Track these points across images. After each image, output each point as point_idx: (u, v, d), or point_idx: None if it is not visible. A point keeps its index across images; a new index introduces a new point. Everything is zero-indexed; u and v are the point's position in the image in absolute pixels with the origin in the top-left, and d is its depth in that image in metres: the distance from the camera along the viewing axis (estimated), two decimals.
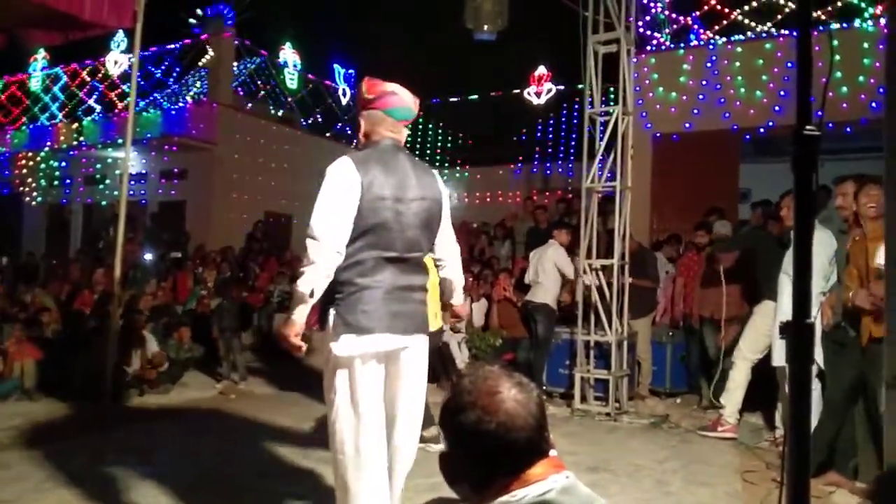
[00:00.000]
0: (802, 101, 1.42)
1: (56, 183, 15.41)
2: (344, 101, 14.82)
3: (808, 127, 1.38)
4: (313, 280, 2.56)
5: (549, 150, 14.12)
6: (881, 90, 2.56)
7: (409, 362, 2.79)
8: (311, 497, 3.72)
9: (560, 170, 13.57)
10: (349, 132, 15.04)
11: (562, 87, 13.19)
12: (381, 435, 2.73)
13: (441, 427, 1.33)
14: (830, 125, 8.34)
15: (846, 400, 4.08)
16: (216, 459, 4.37)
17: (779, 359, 4.69)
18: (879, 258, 3.52)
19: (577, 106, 11.98)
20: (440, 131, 15.57)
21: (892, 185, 2.43)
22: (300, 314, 2.59)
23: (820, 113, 1.50)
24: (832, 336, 4.19)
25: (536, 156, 14.21)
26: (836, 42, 8.19)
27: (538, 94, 13.60)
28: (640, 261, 6.81)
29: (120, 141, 11.68)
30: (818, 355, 4.30)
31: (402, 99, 2.87)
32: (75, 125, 14.15)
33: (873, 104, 8.03)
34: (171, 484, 3.87)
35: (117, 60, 13.70)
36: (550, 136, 14.14)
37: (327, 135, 14.58)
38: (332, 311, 2.65)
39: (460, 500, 1.33)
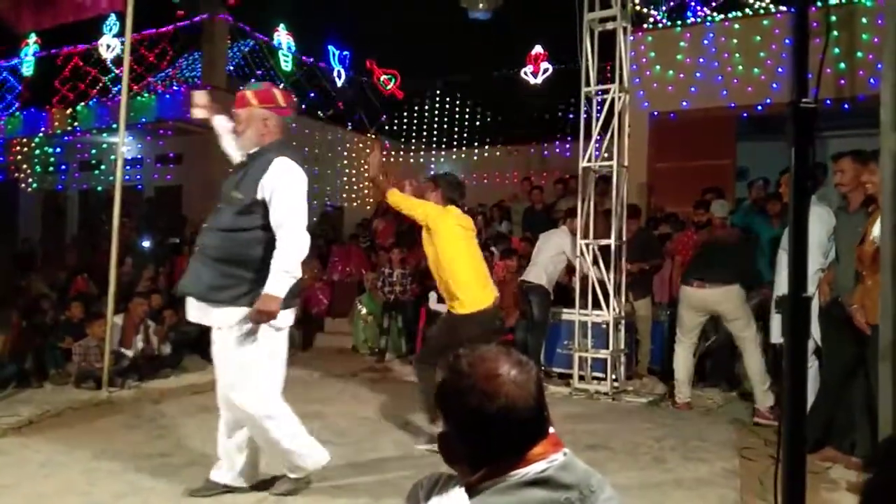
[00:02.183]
0: (799, 74, 1.40)
1: (51, 169, 15.31)
2: (339, 82, 14.70)
3: (805, 100, 1.37)
4: (299, 264, 3.15)
5: (547, 131, 14.04)
6: (880, 66, 2.54)
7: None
8: (314, 477, 3.74)
9: (557, 150, 13.51)
10: (345, 114, 14.95)
11: (561, 67, 13.07)
12: None
13: (439, 408, 1.32)
14: (828, 102, 8.30)
15: (843, 376, 4.09)
16: (211, 444, 4.38)
17: (776, 335, 4.71)
18: (876, 231, 3.51)
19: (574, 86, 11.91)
20: (436, 112, 15.47)
21: (887, 162, 2.41)
22: (284, 291, 3.10)
23: (816, 89, 1.48)
24: (829, 312, 4.20)
25: (534, 136, 14.13)
26: (833, 17, 8.14)
27: (535, 74, 13.50)
28: (642, 242, 6.83)
29: (114, 126, 11.59)
30: (815, 332, 4.31)
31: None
32: (69, 110, 14.04)
33: (871, 80, 7.99)
34: (175, 466, 3.89)
35: (110, 44, 13.55)
36: (548, 116, 14.05)
37: (322, 117, 14.50)
38: None
39: (459, 478, 1.33)
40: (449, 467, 1.35)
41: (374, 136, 4.66)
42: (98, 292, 8.01)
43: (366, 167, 15.50)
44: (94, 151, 14.68)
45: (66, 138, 14.40)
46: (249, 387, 3.20)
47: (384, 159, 15.88)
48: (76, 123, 13.89)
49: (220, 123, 3.70)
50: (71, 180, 15.30)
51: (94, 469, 3.84)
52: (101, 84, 13.63)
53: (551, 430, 1.31)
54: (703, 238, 6.30)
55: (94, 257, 9.89)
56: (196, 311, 3.29)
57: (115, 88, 12.95)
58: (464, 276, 4.32)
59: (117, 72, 12.79)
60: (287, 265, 3.10)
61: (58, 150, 15.03)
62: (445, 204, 4.43)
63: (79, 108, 13.98)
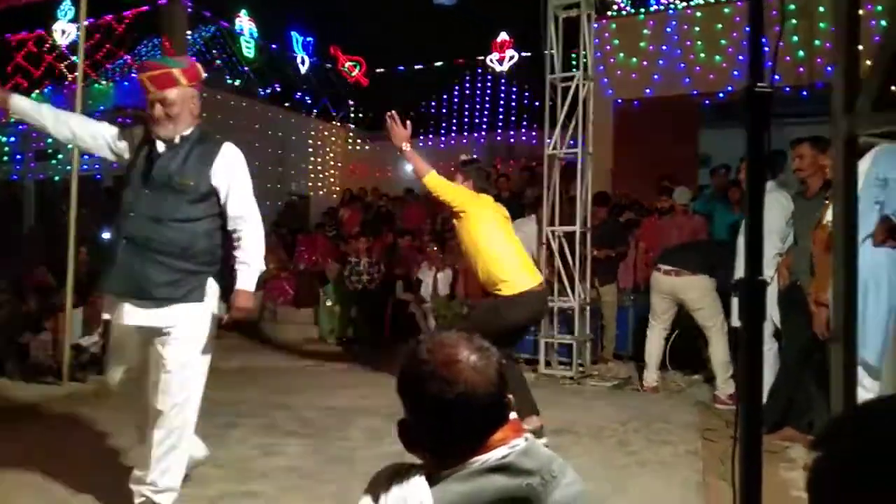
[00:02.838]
0: (754, 58, 1.42)
1: (6, 158, 14.90)
2: (303, 69, 14.52)
3: (759, 84, 1.38)
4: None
5: (513, 118, 14.08)
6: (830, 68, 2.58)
7: None
8: (280, 468, 3.72)
9: (524, 138, 13.55)
10: (309, 102, 14.79)
11: (527, 54, 13.08)
12: None
13: (399, 394, 1.31)
14: (787, 89, 8.45)
15: (801, 357, 4.19)
16: None
17: (735, 318, 4.79)
18: (830, 215, 3.58)
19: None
20: (402, 100, 15.39)
21: (839, 146, 2.45)
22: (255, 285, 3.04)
23: (773, 76, 1.50)
24: (788, 296, 4.29)
25: (500, 124, 14.16)
26: (792, 6, 8.28)
27: (500, 61, 13.50)
28: (609, 229, 6.90)
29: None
30: (775, 315, 4.41)
31: None
32: None
33: (829, 68, 8.13)
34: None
35: (65, 30, 13.19)
36: (513, 103, 14.08)
37: (286, 105, 14.32)
38: (212, 281, 2.99)
39: (421, 465, 1.33)
40: (413, 456, 1.34)
41: (389, 115, 4.22)
42: (56, 285, 7.82)
43: (331, 155, 15.36)
44: (49, 140, 14.27)
45: (20, 127, 13.99)
46: (192, 388, 2.98)
47: (354, 146, 15.74)
48: None
49: (23, 106, 3.10)
50: (27, 170, 14.90)
51: (51, 466, 3.75)
52: (56, 71, 13.27)
53: (513, 415, 1.31)
54: (665, 224, 6.39)
55: (52, 249, 9.64)
56: (135, 312, 2.91)
57: (73, 76, 12.62)
58: (506, 258, 4.07)
59: (73, 58, 12.46)
60: (258, 258, 3.02)
61: (12, 139, 14.62)
62: (477, 192, 4.27)
63: (33, 96, 13.58)
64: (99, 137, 3.09)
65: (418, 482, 1.25)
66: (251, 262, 2.99)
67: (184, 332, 2.92)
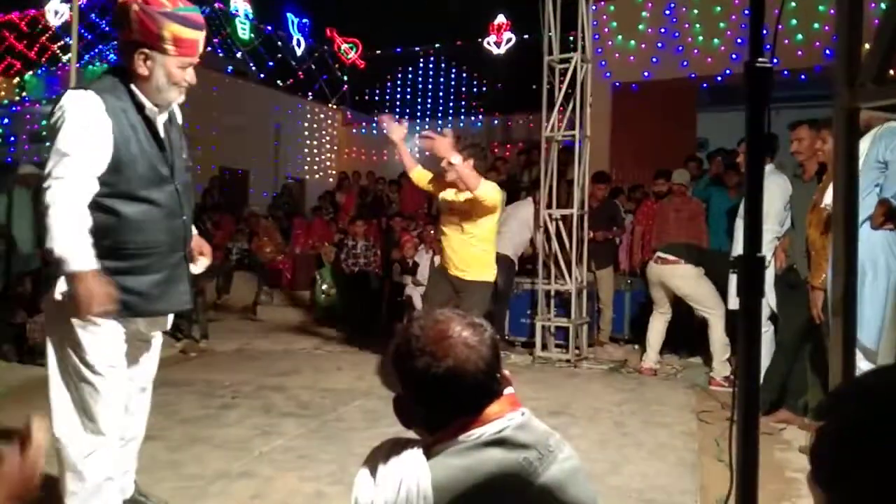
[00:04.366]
0: (755, 34, 1.40)
1: (0, 141, 14.82)
2: (299, 51, 14.41)
3: (760, 59, 1.38)
4: None
5: (510, 101, 14.03)
6: (836, 38, 2.57)
7: None
8: (278, 449, 3.73)
9: (521, 121, 13.50)
10: (305, 84, 14.70)
11: (525, 36, 13.00)
12: None
13: (394, 370, 1.32)
14: (786, 72, 8.42)
15: (797, 340, 4.21)
16: (172, 418, 4.33)
17: (733, 301, 4.80)
18: (827, 198, 3.58)
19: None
20: (399, 83, 15.30)
21: (841, 116, 2.45)
22: None
23: (774, 59, 1.49)
24: (785, 279, 4.31)
25: (497, 107, 14.10)
26: None
27: (498, 44, 13.41)
28: (606, 212, 6.89)
29: None
30: (771, 298, 4.42)
31: None
32: (16, 80, 13.52)
33: (828, 51, 8.12)
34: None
35: (58, 11, 13.05)
36: (511, 86, 14.02)
37: (282, 87, 14.23)
38: None
39: (420, 440, 1.34)
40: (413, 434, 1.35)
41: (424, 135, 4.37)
42: None
43: (327, 138, 15.27)
44: (44, 122, 14.17)
45: (13, 109, 13.92)
46: None
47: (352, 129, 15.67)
48: (24, 93, 13.42)
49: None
50: (21, 152, 14.79)
51: (50, 447, 3.76)
52: (49, 52, 13.15)
53: (510, 390, 1.32)
54: (663, 207, 6.39)
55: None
56: (165, 319, 2.76)
57: (66, 57, 12.51)
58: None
59: (67, 39, 12.35)
60: None
61: (5, 121, 14.51)
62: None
63: (27, 77, 13.48)
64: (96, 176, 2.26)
65: (416, 455, 1.26)
66: None
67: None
